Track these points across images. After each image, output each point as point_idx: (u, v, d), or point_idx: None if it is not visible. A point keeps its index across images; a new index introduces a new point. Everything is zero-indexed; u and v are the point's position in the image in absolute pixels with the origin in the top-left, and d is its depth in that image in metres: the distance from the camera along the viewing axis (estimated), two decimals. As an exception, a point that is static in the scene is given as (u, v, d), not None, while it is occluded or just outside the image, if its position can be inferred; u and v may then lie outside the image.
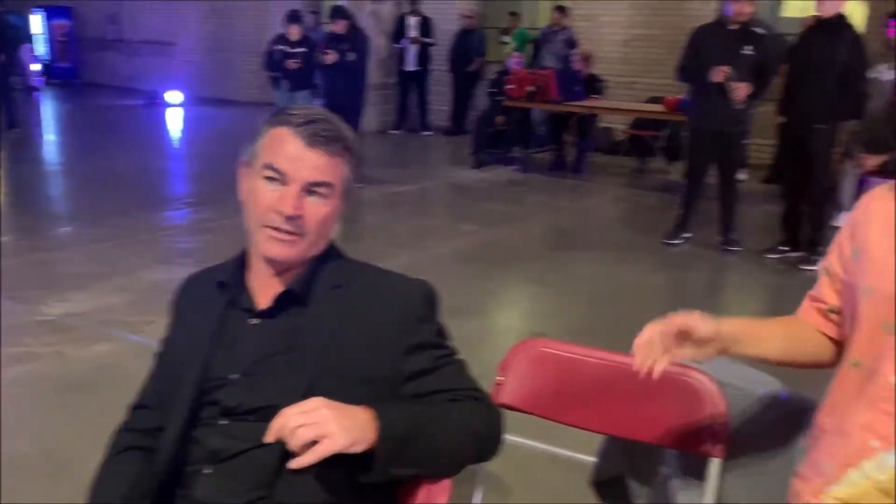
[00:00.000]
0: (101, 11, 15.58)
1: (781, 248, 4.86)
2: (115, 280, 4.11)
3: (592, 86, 8.09)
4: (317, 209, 1.16)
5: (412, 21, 10.02)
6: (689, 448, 1.36)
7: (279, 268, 1.21)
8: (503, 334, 3.79)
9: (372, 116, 9.79)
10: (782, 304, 4.49)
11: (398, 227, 5.65)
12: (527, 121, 8.26)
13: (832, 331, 1.17)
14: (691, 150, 5.12)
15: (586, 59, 8.27)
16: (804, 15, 8.02)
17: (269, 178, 1.15)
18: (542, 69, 8.13)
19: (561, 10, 9.05)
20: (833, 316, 1.16)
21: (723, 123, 4.72)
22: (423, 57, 10.12)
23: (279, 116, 1.19)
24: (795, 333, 1.19)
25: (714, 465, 1.34)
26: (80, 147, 9.02)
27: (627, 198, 7.02)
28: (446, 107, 10.51)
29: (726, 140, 4.80)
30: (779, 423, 1.37)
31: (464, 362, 1.25)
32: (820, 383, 1.28)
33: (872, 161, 5.56)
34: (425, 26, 10.06)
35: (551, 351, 1.50)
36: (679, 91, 6.60)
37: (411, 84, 10.23)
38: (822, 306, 1.17)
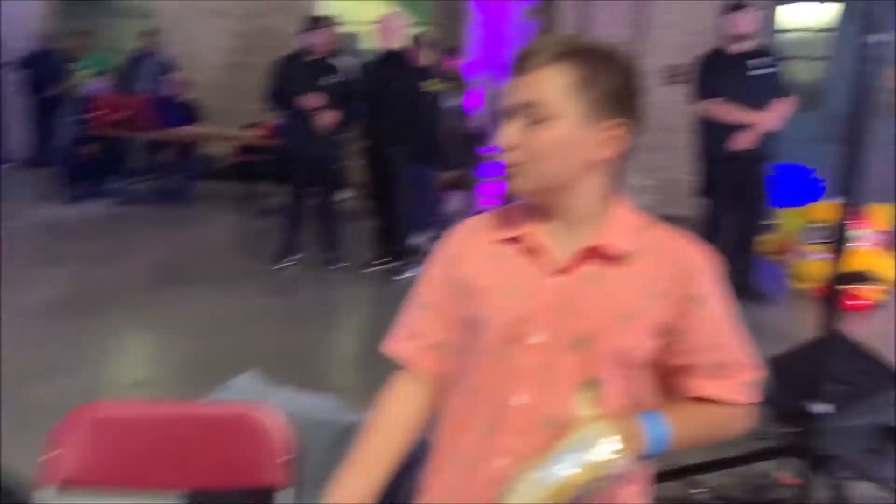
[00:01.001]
0: None
1: (377, 261, 5.27)
2: None
3: (191, 111, 7.88)
4: None
5: (-31, 39, 8.66)
6: (258, 485, 1.39)
7: None
8: (106, 390, 3.46)
9: (-75, 150, 8.22)
10: (380, 311, 4.87)
11: (-36, 280, 4.81)
12: (123, 149, 7.71)
13: (438, 366, 1.20)
14: (290, 175, 5.28)
15: (183, 84, 8.02)
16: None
17: None
18: (135, 94, 7.67)
19: (150, 35, 8.63)
20: (437, 350, 1.19)
21: (314, 149, 4.96)
22: (-11, 80, 8.82)
23: None
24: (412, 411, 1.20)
25: (284, 495, 1.39)
26: None
27: (236, 224, 6.95)
28: (25, 135, 9.30)
29: (319, 164, 5.05)
30: (343, 446, 1.46)
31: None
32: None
33: (447, 176, 6.38)
34: (-12, 46, 8.78)
35: (107, 415, 1.41)
36: (278, 117, 6.76)
37: (-24, 111, 8.83)
38: (425, 343, 1.20)
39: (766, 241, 5.57)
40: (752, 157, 4.52)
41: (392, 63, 4.90)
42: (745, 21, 4.46)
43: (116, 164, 7.61)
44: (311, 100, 4.81)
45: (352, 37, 9.60)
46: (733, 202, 4.65)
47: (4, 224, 6.32)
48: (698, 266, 1.10)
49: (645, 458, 1.03)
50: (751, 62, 4.53)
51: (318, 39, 4.94)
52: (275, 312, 4.56)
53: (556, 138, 1.05)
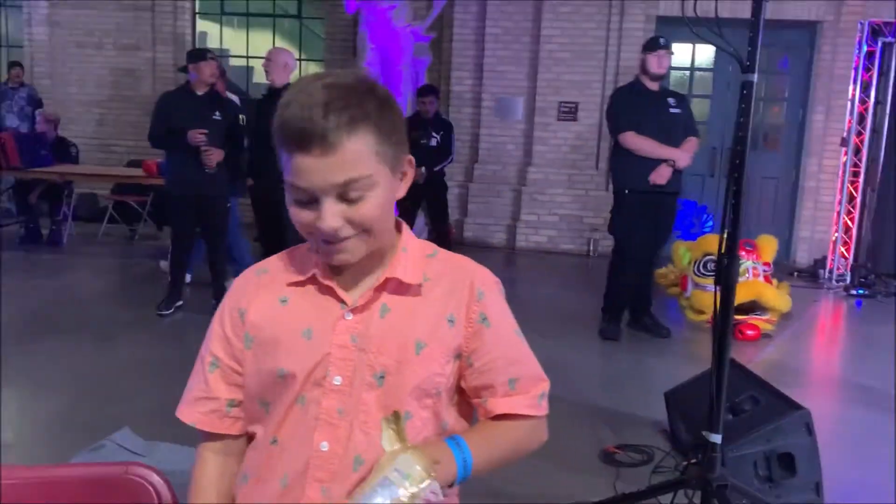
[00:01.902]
0: None
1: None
2: None
3: (64, 150, 7.53)
4: None
5: None
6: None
7: None
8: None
9: None
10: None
11: None
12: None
13: (235, 427, 1.18)
14: (173, 216, 5.12)
15: (53, 120, 7.66)
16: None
17: None
18: (1, 130, 7.29)
19: (18, 65, 8.25)
20: (233, 410, 1.17)
21: (199, 188, 4.83)
22: None
23: None
24: (224, 480, 1.19)
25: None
26: None
27: (115, 269, 6.65)
28: None
29: (206, 204, 4.91)
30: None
31: None
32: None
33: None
34: None
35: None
36: (159, 154, 6.57)
37: None
38: (215, 406, 1.17)
39: (661, 274, 5.83)
40: (667, 192, 4.76)
41: (277, 100, 4.84)
42: (664, 60, 4.70)
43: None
44: (196, 136, 4.70)
45: (245, 72, 9.51)
46: (646, 236, 4.82)
47: None
48: (484, 287, 1.14)
49: (454, 483, 1.06)
50: (670, 100, 4.79)
51: (203, 73, 4.85)
52: (159, 364, 4.36)
53: (382, 203, 1.05)
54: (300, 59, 9.16)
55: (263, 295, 1.14)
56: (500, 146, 8.35)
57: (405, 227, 1.18)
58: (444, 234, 6.54)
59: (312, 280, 1.12)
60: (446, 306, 1.11)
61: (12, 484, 1.31)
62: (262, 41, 9.18)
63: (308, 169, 0.99)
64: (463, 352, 1.12)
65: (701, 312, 5.22)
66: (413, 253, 1.14)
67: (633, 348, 4.83)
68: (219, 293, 5.15)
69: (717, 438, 2.19)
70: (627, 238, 4.83)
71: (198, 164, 4.78)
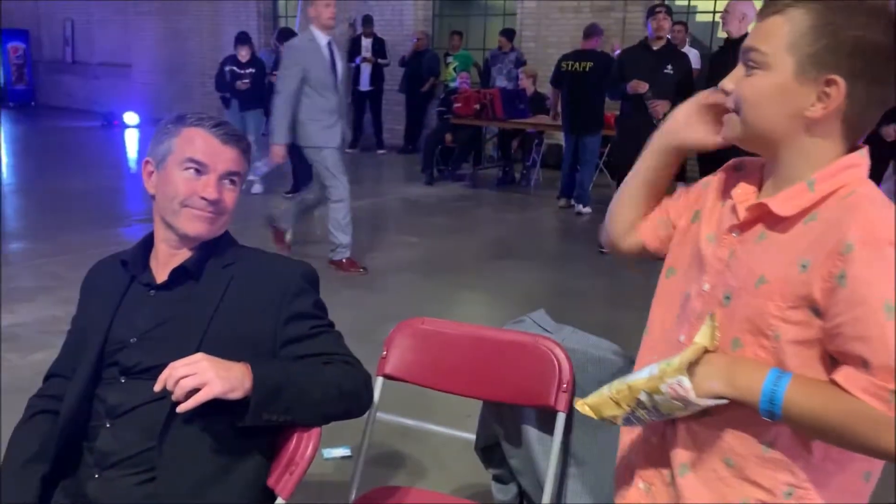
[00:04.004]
0: (56, 34, 15.65)
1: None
2: (60, 293, 4.23)
3: (539, 104, 8.40)
4: (231, 194, 1.41)
5: (366, 42, 10.29)
6: (541, 404, 1.58)
7: (189, 244, 1.41)
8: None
9: (326, 135, 10.02)
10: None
11: (344, 239, 5.83)
12: (476, 138, 8.55)
13: (654, 242, 1.30)
14: (620, 165, 5.41)
15: (532, 78, 8.59)
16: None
17: (190, 170, 1.37)
18: (491, 88, 8.45)
19: (507, 34, 9.39)
20: (663, 232, 1.28)
21: (645, 139, 5.00)
22: (377, 77, 10.39)
23: (187, 120, 1.40)
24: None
25: (560, 418, 1.56)
26: (35, 167, 9.09)
27: (569, 210, 7.28)
28: (401, 125, 10.77)
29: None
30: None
31: (339, 333, 1.45)
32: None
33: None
34: (379, 47, 10.34)
35: (428, 328, 1.72)
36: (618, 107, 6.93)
37: (365, 103, 10.48)
38: (664, 216, 1.28)
39: None
40: None
41: (731, 52, 4.73)
42: None
43: (471, 151, 8.47)
44: (637, 86, 4.86)
45: (711, 27, 9.35)
46: None
47: (375, 199, 7.46)
48: (858, 242, 0.93)
49: (760, 411, 0.99)
50: None
51: (657, 25, 4.97)
52: (591, 291, 4.76)
53: (763, 89, 1.02)
54: (767, 12, 8.62)
55: (721, 186, 1.19)
56: None
57: (840, 166, 1.02)
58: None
59: (727, 193, 1.15)
60: (805, 250, 0.99)
61: (457, 334, 1.70)
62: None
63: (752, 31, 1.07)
64: (816, 306, 0.97)
65: None
66: (819, 188, 1.01)
67: None
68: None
69: None
70: None
71: (645, 116, 4.95)
